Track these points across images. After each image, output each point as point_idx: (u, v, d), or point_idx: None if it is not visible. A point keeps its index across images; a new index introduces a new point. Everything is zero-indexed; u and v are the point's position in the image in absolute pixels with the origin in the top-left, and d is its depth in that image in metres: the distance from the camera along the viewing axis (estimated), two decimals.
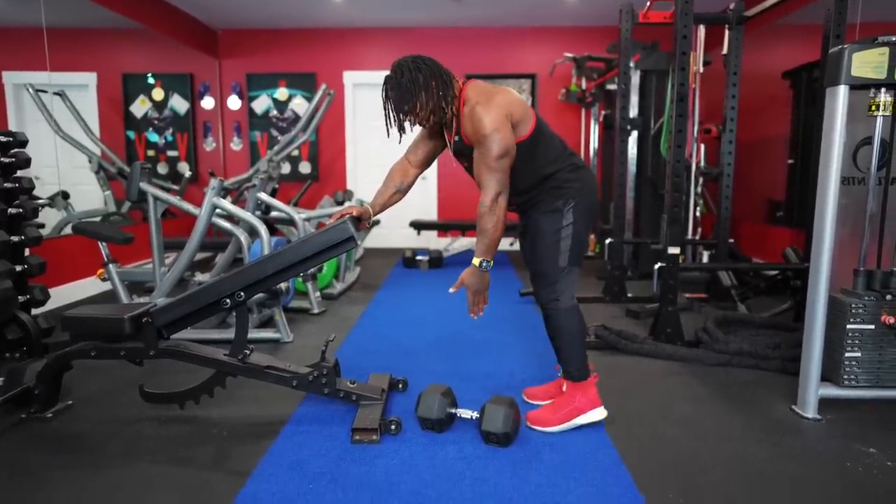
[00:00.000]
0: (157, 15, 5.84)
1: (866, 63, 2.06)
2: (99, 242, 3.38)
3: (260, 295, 3.19)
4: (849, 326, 2.21)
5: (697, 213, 4.92)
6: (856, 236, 2.32)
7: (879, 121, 2.15)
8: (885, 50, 2.05)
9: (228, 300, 2.14)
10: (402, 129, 2.04)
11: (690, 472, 1.87)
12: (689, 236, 4.85)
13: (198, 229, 3.23)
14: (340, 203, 5.53)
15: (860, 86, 2.11)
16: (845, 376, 2.24)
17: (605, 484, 1.79)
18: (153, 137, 6.86)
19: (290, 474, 1.82)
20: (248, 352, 2.21)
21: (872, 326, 2.20)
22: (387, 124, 2.04)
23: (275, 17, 6.58)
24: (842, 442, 2.08)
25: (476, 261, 2.03)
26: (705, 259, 4.83)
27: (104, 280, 3.46)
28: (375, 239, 6.99)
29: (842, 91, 2.10)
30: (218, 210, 3.30)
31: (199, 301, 2.14)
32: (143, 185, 3.31)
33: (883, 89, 2.12)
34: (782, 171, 6.23)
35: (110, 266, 3.40)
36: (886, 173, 2.27)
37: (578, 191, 2.08)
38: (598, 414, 2.14)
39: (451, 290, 2.12)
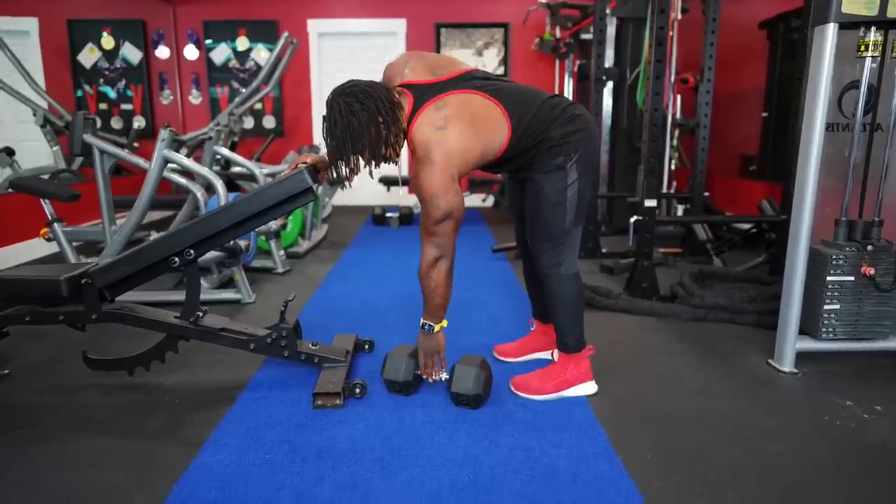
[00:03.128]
0: None
1: None
2: (41, 200, 3.15)
3: (218, 253, 3.02)
4: (829, 278, 2.15)
5: (672, 166, 4.84)
6: (837, 187, 2.24)
7: (868, 62, 2.04)
8: None
9: (177, 258, 1.97)
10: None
11: (667, 429, 1.81)
12: (664, 190, 4.77)
13: (148, 184, 3.01)
14: None
15: (849, 25, 1.99)
16: (823, 329, 2.19)
17: (580, 445, 1.71)
18: (108, 91, 6.47)
19: (245, 443, 1.70)
20: (200, 314, 2.06)
21: (852, 278, 2.14)
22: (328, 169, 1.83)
23: None
24: (818, 395, 2.04)
25: (420, 321, 1.96)
26: (680, 213, 4.77)
27: (49, 240, 3.23)
28: (344, 196, 6.79)
29: (830, 29, 1.98)
30: (174, 165, 3.09)
31: (144, 259, 1.97)
32: (88, 138, 3.06)
33: (873, 28, 2.00)
34: (756, 124, 6.16)
35: (55, 225, 3.17)
36: (872, 119, 2.17)
37: (579, 142, 1.84)
38: (589, 388, 2.03)
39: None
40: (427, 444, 1.71)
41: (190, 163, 3.06)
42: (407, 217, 5.56)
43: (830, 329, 2.19)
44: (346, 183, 1.88)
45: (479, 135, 1.80)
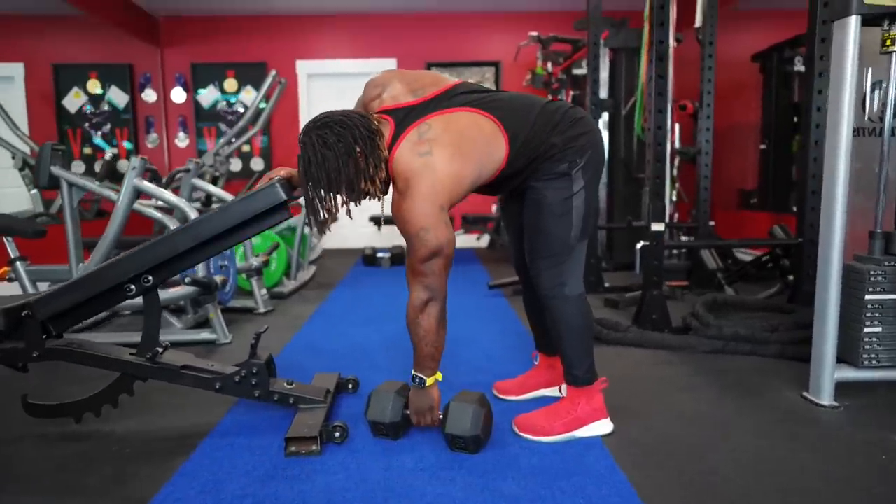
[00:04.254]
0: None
1: None
2: (4, 238, 2.92)
3: (192, 289, 2.78)
4: (867, 297, 1.91)
5: (673, 198, 4.66)
6: (862, 199, 2.05)
7: (894, 59, 1.88)
8: None
9: (133, 285, 1.73)
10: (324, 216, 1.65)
11: (699, 474, 1.54)
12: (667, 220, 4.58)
13: (116, 216, 2.79)
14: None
15: (872, 18, 1.84)
16: (864, 356, 1.94)
17: (598, 493, 1.44)
18: (99, 141, 6.33)
19: (201, 500, 1.42)
20: (160, 349, 1.80)
21: (894, 296, 1.92)
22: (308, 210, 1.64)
23: (220, 2, 6.14)
24: (868, 431, 1.78)
25: (411, 373, 1.72)
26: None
27: (11, 280, 2.99)
28: (334, 239, 6.58)
29: (853, 23, 1.81)
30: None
31: (94, 286, 1.72)
32: (56, 170, 2.86)
33: None
34: (752, 157, 6.09)
35: (17, 264, 2.94)
36: None
37: (584, 146, 1.66)
38: (604, 427, 1.77)
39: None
40: (418, 496, 1.44)
41: (162, 192, 2.86)
42: (399, 257, 5.34)
43: (873, 355, 1.94)
44: (326, 228, 1.67)
45: (469, 156, 1.60)
